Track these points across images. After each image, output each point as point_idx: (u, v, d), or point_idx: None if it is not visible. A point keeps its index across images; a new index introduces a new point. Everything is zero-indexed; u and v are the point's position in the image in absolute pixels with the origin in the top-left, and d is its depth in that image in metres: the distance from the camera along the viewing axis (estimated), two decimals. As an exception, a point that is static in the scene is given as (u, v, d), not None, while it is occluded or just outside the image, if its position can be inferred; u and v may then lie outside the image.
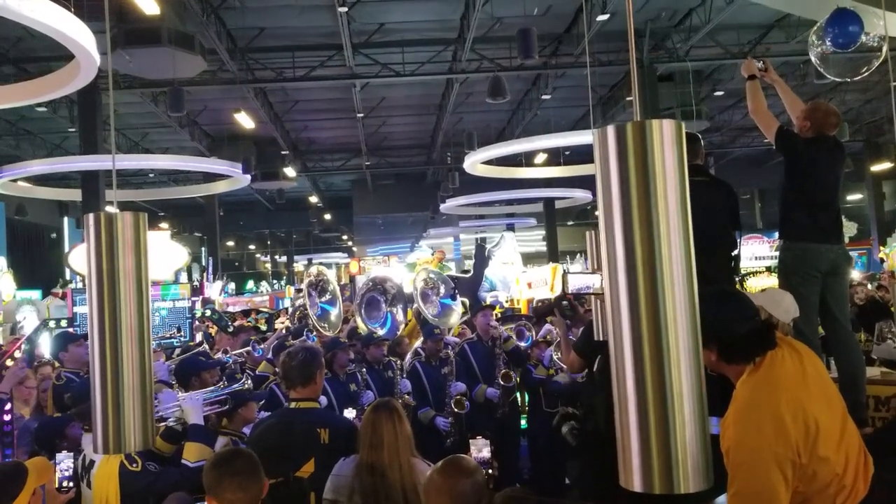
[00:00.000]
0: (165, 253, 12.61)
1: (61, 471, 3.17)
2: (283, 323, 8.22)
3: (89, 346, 1.75)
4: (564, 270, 3.42)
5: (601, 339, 3.72)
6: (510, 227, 26.29)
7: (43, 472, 2.86)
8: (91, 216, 1.74)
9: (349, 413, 4.77)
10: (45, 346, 7.33)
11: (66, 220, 26.73)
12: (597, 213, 1.39)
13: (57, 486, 3.12)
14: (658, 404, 1.25)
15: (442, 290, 7.79)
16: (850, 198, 28.86)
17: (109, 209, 1.93)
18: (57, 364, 5.50)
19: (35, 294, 16.92)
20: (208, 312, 9.88)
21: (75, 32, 7.79)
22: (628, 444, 1.28)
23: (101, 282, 1.72)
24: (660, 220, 1.26)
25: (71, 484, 3.16)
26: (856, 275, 16.92)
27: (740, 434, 2.25)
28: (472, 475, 2.56)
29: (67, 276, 17.71)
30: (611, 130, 1.29)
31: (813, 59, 5.33)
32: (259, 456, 2.91)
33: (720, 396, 3.15)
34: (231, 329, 7.96)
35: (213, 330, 8.79)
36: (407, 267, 21.87)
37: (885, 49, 5.18)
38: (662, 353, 1.26)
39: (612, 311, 1.29)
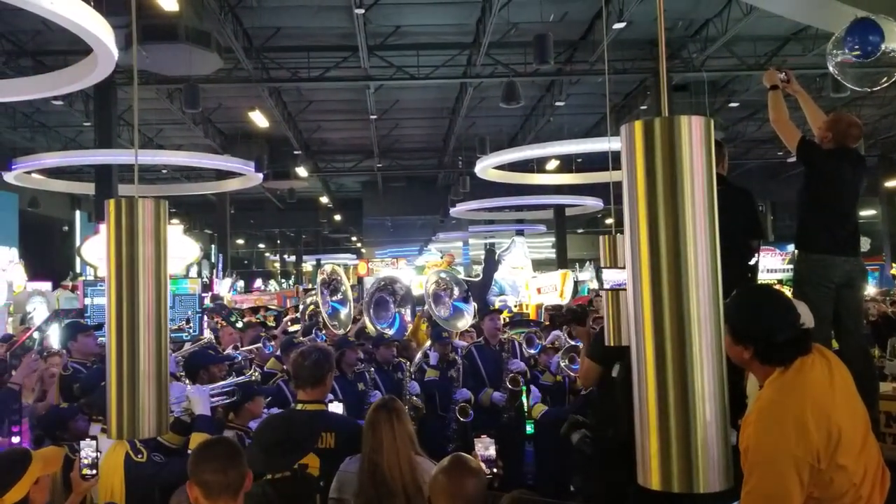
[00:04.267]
0: (177, 247, 12.66)
1: (82, 458, 3.17)
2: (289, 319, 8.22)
3: (106, 332, 1.75)
4: (598, 267, 3.40)
5: (612, 343, 3.69)
6: (520, 233, 26.26)
7: (50, 461, 2.86)
8: (112, 201, 1.74)
9: (337, 406, 4.66)
10: (54, 338, 7.36)
11: (77, 213, 26.88)
12: (608, 220, 1.38)
13: (81, 473, 3.13)
14: (679, 404, 1.24)
15: (456, 292, 7.70)
16: (864, 213, 28.66)
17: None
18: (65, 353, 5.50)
19: (46, 286, 16.99)
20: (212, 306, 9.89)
21: (94, 26, 7.83)
22: (647, 444, 1.27)
23: (121, 268, 1.72)
24: (686, 219, 1.25)
25: (94, 472, 3.15)
26: (871, 290, 16.84)
27: (761, 434, 2.26)
28: (477, 475, 2.56)
29: (78, 269, 17.78)
30: (639, 125, 1.27)
31: (831, 69, 5.29)
32: (260, 450, 2.92)
33: (733, 406, 3.13)
34: (240, 325, 7.97)
35: (221, 324, 8.81)
36: (415, 270, 21.89)
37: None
38: (685, 352, 1.25)
39: (635, 309, 1.28)
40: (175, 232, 13.46)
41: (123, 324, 1.71)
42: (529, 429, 6.96)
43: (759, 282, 4.92)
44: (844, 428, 2.27)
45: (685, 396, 1.24)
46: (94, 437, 3.19)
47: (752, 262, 4.03)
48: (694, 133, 1.25)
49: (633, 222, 1.28)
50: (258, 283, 33.25)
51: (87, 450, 3.12)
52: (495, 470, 3.08)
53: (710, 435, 1.24)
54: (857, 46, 4.94)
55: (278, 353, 6.03)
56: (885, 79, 4.99)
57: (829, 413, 2.27)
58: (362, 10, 12.90)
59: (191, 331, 7.45)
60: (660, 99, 1.77)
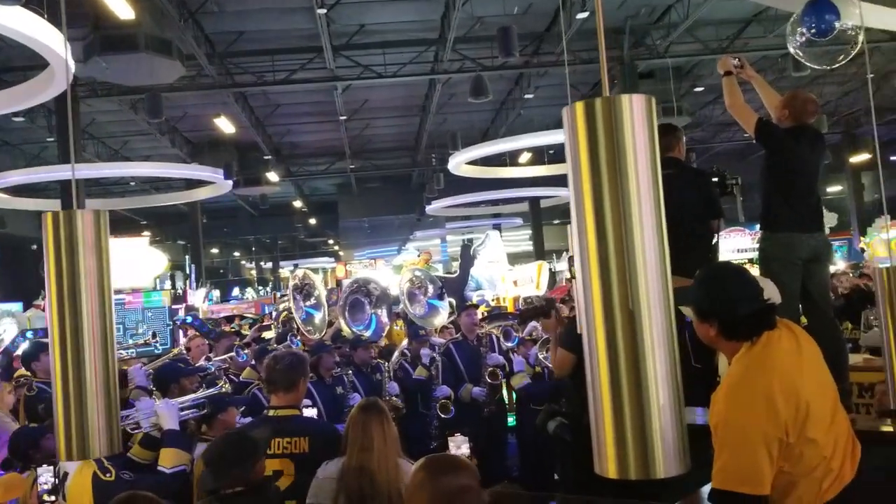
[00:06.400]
0: (144, 259, 12.50)
1: (41, 484, 3.10)
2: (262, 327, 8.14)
3: (50, 351, 1.69)
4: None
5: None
6: (497, 227, 26.28)
7: (12, 487, 2.79)
8: (49, 214, 1.69)
9: (311, 411, 4.62)
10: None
11: (46, 231, 26.46)
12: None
13: (38, 500, 3.06)
14: (632, 389, 1.21)
15: (430, 289, 7.70)
16: (831, 189, 29.04)
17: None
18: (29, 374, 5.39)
19: (15, 306, 16.72)
20: (189, 319, 9.79)
21: (48, 39, 7.70)
22: (603, 431, 1.24)
23: (61, 283, 1.67)
24: (631, 200, 1.22)
25: (53, 498, 3.08)
26: (840, 264, 17.04)
27: (730, 410, 2.27)
28: (456, 473, 2.45)
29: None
30: (580, 106, 1.24)
31: (791, 49, 5.35)
32: (206, 465, 2.86)
33: (705, 387, 3.13)
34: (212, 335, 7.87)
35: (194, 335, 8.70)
36: (394, 270, 21.84)
37: (860, 39, 5.19)
38: (636, 337, 1.22)
39: (585, 296, 1.25)
40: (141, 244, 13.28)
41: (67, 341, 1.65)
42: (511, 421, 6.97)
43: (724, 260, 4.94)
44: (813, 401, 2.28)
45: (638, 381, 1.21)
46: (52, 463, 3.11)
47: (714, 241, 4.05)
48: (636, 111, 1.22)
49: (579, 207, 1.24)
50: (235, 291, 32.98)
51: (45, 475, 3.05)
52: (470, 467, 3.04)
53: (664, 419, 1.21)
54: (813, 26, 4.99)
55: (253, 361, 5.96)
56: (842, 56, 5.05)
57: (797, 387, 2.28)
58: (324, 10, 12.81)
59: (158, 344, 7.35)
60: (601, 79, 1.74)
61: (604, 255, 1.23)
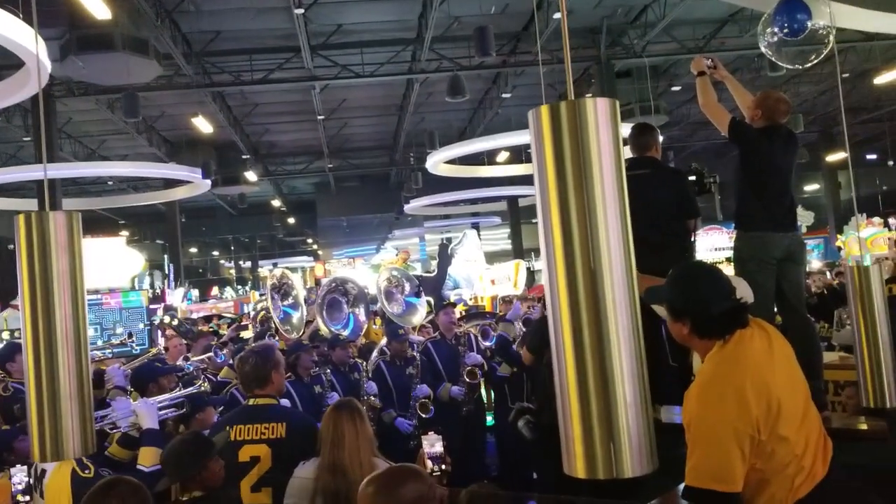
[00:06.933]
0: (121, 259, 12.41)
1: (14, 484, 3.08)
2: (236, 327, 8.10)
3: (23, 352, 1.69)
4: None
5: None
6: (475, 226, 26.33)
7: None
8: (21, 216, 1.68)
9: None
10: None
11: (23, 231, 26.13)
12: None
13: (12, 501, 3.04)
14: (599, 389, 1.23)
15: (407, 288, 7.70)
16: (807, 188, 29.39)
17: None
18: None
19: (-9, 307, 16.50)
20: (167, 319, 9.74)
21: (23, 38, 7.62)
22: (570, 430, 1.26)
23: (34, 285, 1.67)
24: (596, 201, 1.24)
25: (27, 497, 3.07)
26: (816, 263, 17.26)
27: (702, 408, 2.29)
28: (406, 483, 2.25)
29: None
30: (545, 110, 1.26)
31: (763, 48, 5.40)
32: (164, 463, 2.88)
33: (681, 386, 3.17)
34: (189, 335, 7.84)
35: (171, 335, 8.65)
36: (372, 268, 21.82)
37: (830, 39, 5.26)
38: (602, 336, 1.24)
39: (551, 296, 1.27)
40: (118, 244, 13.18)
41: (40, 342, 1.65)
42: (490, 420, 6.99)
43: (697, 260, 5.00)
44: (784, 399, 2.31)
45: (604, 379, 1.23)
46: (27, 463, 3.10)
47: (691, 240, 4.09)
48: (600, 114, 1.24)
49: (545, 207, 1.26)
50: (214, 290, 32.78)
51: (18, 475, 3.04)
52: (444, 466, 3.06)
53: (631, 416, 1.23)
54: (785, 25, 5.05)
55: (230, 361, 5.94)
56: (814, 55, 5.11)
57: (768, 385, 2.31)
58: (302, 10, 12.77)
59: (134, 344, 7.30)
60: (567, 83, 1.76)
61: (569, 255, 1.25)
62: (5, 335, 7.60)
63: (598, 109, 1.24)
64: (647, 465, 1.26)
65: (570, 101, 1.24)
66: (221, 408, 4.75)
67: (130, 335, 7.45)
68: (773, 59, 5.56)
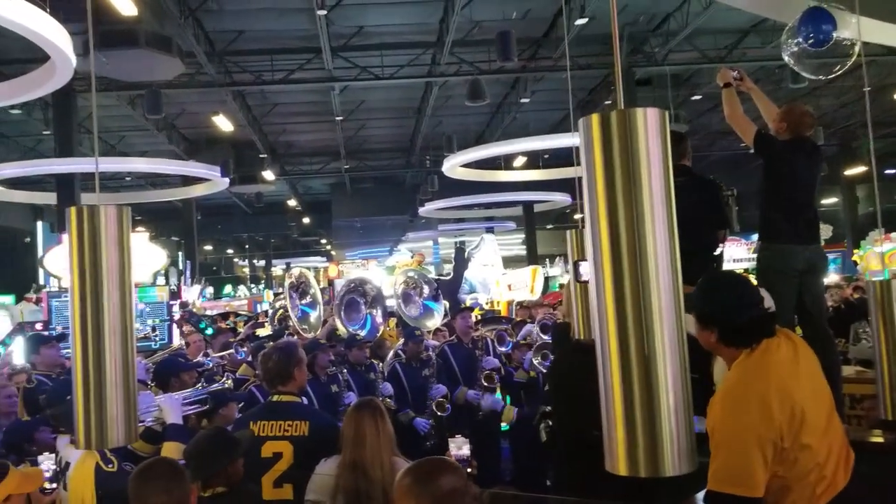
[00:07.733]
0: (144, 255, 12.50)
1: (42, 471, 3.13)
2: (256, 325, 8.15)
3: (71, 342, 1.73)
4: (575, 260, 3.46)
5: (581, 337, 3.73)
6: (489, 231, 26.31)
7: (27, 479, 2.82)
8: (73, 209, 1.73)
9: None
10: (19, 352, 7.21)
11: (39, 224, 26.30)
12: (576, 216, 1.39)
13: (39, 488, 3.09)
14: (644, 394, 1.25)
15: (425, 290, 7.71)
16: (825, 201, 29.18)
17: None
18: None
19: (8, 299, 16.67)
20: (178, 312, 9.78)
21: (50, 33, 7.70)
22: (615, 431, 1.28)
23: (84, 277, 1.71)
24: (644, 210, 1.27)
25: (54, 485, 3.12)
26: (834, 277, 17.13)
27: (726, 413, 2.31)
28: (443, 475, 2.30)
29: (41, 281, 17.47)
30: (595, 119, 1.29)
31: (786, 58, 5.39)
32: (188, 459, 2.91)
33: (702, 395, 3.19)
34: (210, 331, 7.89)
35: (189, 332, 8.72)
36: (386, 270, 21.85)
37: (857, 49, 5.24)
38: (647, 343, 1.26)
39: (598, 303, 1.30)
40: (141, 239, 13.28)
41: (89, 333, 1.69)
42: (505, 426, 7.00)
43: (726, 269, 5.00)
44: (808, 408, 2.33)
45: (649, 386, 1.26)
46: (54, 451, 3.15)
47: (717, 252, 4.09)
48: (650, 125, 1.27)
49: (594, 216, 1.29)
50: (228, 288, 32.94)
51: (46, 463, 3.09)
52: (469, 469, 3.09)
53: (673, 423, 1.26)
54: (810, 35, 5.03)
55: (250, 358, 6.00)
56: (838, 66, 5.10)
57: (792, 393, 2.33)
58: (324, 12, 12.84)
59: (157, 338, 7.36)
60: (617, 92, 1.80)
61: (617, 263, 1.28)
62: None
63: (647, 119, 1.27)
64: (686, 466, 1.28)
65: (621, 110, 1.27)
66: (241, 404, 4.80)
67: (154, 329, 7.49)
68: (795, 69, 5.55)
